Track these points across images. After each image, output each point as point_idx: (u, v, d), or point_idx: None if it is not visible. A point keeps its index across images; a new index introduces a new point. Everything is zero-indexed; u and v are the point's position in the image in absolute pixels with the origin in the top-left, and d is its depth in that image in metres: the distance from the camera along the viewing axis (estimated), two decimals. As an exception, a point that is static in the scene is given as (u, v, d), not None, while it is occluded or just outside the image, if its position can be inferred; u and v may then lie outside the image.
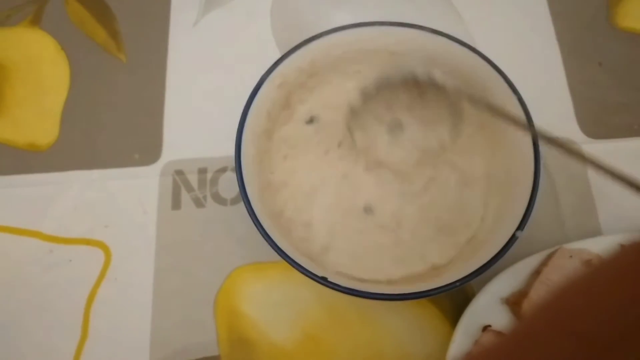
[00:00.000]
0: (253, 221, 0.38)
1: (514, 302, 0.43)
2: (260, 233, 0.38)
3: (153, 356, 0.44)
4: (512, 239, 0.37)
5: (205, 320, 0.45)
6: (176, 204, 0.49)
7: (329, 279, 0.36)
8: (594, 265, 0.24)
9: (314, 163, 0.45)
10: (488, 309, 0.43)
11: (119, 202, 0.49)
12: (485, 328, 0.42)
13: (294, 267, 0.37)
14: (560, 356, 0.22)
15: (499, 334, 0.42)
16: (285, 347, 0.45)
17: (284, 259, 0.37)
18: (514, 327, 0.25)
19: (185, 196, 0.49)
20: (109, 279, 0.47)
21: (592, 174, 0.49)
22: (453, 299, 0.45)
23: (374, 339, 0.45)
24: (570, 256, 0.43)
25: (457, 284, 0.36)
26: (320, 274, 0.37)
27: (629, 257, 0.23)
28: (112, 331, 0.46)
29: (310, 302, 0.46)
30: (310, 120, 0.46)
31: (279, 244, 0.37)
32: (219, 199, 0.49)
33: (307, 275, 0.37)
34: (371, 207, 0.44)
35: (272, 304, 0.46)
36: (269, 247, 0.43)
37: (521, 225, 0.37)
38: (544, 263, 0.43)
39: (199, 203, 0.49)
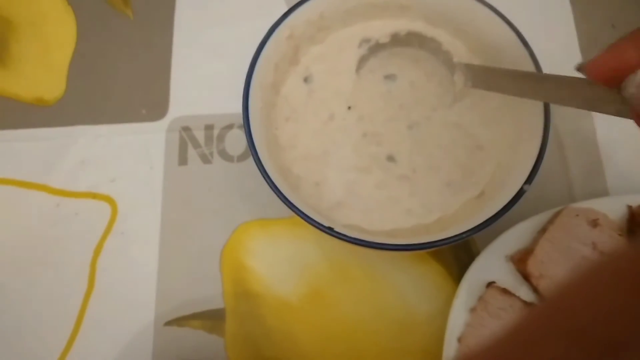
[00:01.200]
0: (261, 173, 0.38)
1: (518, 260, 0.43)
2: (268, 184, 0.38)
3: (159, 308, 0.45)
4: (520, 192, 0.37)
5: (211, 274, 0.46)
6: (183, 159, 0.49)
7: (336, 229, 0.36)
8: (593, 264, 0.23)
9: (319, 130, 0.45)
10: (493, 266, 0.43)
11: (126, 157, 0.49)
12: (490, 284, 0.42)
13: (301, 217, 0.37)
14: (557, 356, 0.21)
15: (503, 292, 0.42)
16: (290, 300, 0.45)
17: (291, 209, 0.37)
18: (511, 327, 0.24)
19: (192, 152, 0.49)
20: (115, 232, 0.47)
21: (601, 137, 0.49)
22: (458, 256, 0.45)
23: (378, 294, 0.45)
24: (577, 215, 0.43)
25: (463, 235, 0.36)
26: (327, 224, 0.37)
27: (629, 256, 0.22)
28: (119, 284, 0.46)
29: (316, 257, 0.46)
30: (307, 80, 0.45)
31: (287, 196, 0.37)
32: (225, 156, 0.49)
33: (313, 225, 0.37)
34: (393, 156, 0.44)
35: (277, 259, 0.46)
36: (275, 203, 0.43)
37: (529, 179, 0.37)
38: (551, 221, 0.43)
39: (205, 159, 0.49)
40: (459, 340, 0.41)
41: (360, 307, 0.45)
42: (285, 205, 0.38)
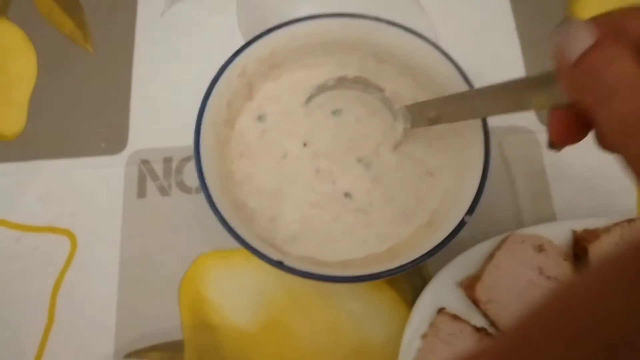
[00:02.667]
0: (210, 207, 0.39)
1: (467, 285, 0.44)
2: (217, 217, 0.39)
3: (118, 341, 0.45)
4: (461, 223, 0.38)
5: (170, 306, 0.46)
6: (142, 192, 0.50)
7: (285, 263, 0.37)
8: (591, 267, 0.23)
9: (273, 167, 0.46)
10: (443, 292, 0.44)
11: (85, 191, 0.50)
12: (440, 310, 0.43)
13: (250, 251, 0.38)
14: (556, 357, 0.21)
15: (453, 317, 0.43)
16: (248, 330, 0.46)
17: (239, 242, 0.38)
18: (508, 329, 0.24)
19: (150, 185, 0.50)
20: (75, 266, 0.48)
21: (548, 162, 0.51)
22: (411, 282, 0.47)
23: (335, 322, 0.46)
24: (523, 241, 0.45)
25: (408, 266, 0.37)
26: (277, 258, 0.38)
27: (626, 259, 0.22)
28: (78, 317, 0.46)
29: (273, 287, 0.47)
30: (260, 118, 0.47)
31: (236, 230, 0.38)
32: (183, 188, 0.50)
33: (262, 259, 0.38)
34: (350, 193, 0.45)
35: (235, 289, 0.47)
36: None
37: (470, 210, 0.38)
38: (498, 247, 0.45)
39: (164, 191, 0.50)
40: (411, 366, 0.42)
41: (317, 335, 0.46)
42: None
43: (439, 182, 0.46)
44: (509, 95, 0.34)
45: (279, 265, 0.38)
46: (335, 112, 0.47)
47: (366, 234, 0.44)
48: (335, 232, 0.44)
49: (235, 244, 0.47)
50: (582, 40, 0.26)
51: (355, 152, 0.46)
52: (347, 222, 0.44)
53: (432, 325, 0.43)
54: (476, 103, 0.38)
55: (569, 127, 0.30)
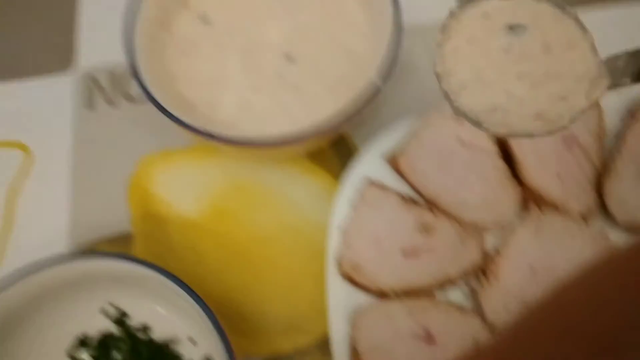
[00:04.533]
0: (147, 97, 0.42)
1: (392, 158, 0.47)
2: (152, 103, 0.42)
3: (73, 237, 0.48)
4: (373, 87, 0.41)
5: (120, 204, 0.49)
6: (90, 104, 0.53)
7: (211, 131, 0.40)
8: (594, 264, 0.24)
9: (213, 58, 0.49)
10: (371, 165, 0.47)
11: (37, 106, 0.53)
12: (368, 181, 0.46)
13: (179, 124, 0.41)
14: (558, 356, 0.21)
15: (379, 187, 0.46)
16: (193, 220, 0.49)
17: (172, 120, 0.41)
18: (511, 326, 0.24)
19: (98, 97, 0.53)
20: (31, 175, 0.51)
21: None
22: (342, 161, 0.49)
23: (275, 206, 0.49)
24: (444, 114, 0.47)
25: (323, 129, 0.40)
26: (205, 129, 0.41)
27: (629, 256, 0.23)
28: (35, 221, 0.49)
29: (217, 178, 0.50)
30: (201, 18, 0.49)
31: (169, 110, 0.41)
32: (129, 98, 0.53)
33: (190, 130, 0.41)
34: (283, 75, 0.48)
35: (180, 183, 0.50)
36: (176, 135, 0.47)
37: (381, 75, 0.41)
38: (421, 121, 0.47)
39: (111, 102, 0.53)
40: (341, 230, 0.45)
41: (259, 220, 0.49)
42: (182, 132, 0.41)
43: (362, 58, 0.48)
44: None
45: (207, 135, 0.40)
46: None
47: (298, 111, 0.46)
48: (269, 112, 0.46)
49: (180, 143, 0.50)
50: None
51: (284, 47, 0.49)
52: (282, 101, 0.47)
53: (360, 194, 0.46)
54: None
55: None
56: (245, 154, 0.47)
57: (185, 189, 0.50)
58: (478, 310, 0.44)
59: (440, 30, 0.37)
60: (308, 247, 0.47)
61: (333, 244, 0.45)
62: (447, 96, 0.36)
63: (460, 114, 0.36)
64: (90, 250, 0.47)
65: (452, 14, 0.37)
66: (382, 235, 0.45)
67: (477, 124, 0.36)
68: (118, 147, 0.51)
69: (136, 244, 0.48)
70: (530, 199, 0.46)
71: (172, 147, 0.51)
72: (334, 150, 0.50)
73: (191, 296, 0.38)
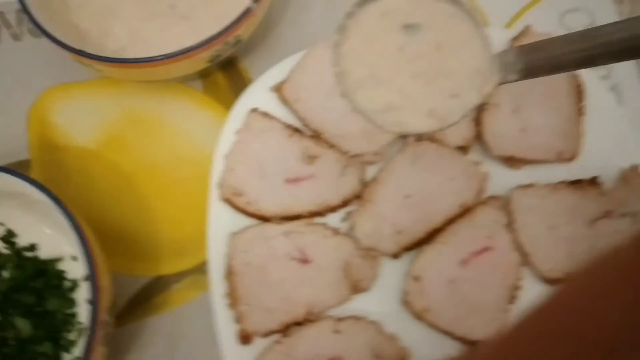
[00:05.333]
0: (36, 26, 0.43)
1: (278, 88, 0.48)
2: (44, 34, 0.43)
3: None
4: (246, 8, 0.43)
5: (19, 133, 0.51)
6: (-4, 39, 0.54)
7: (89, 52, 0.42)
8: (594, 266, 0.24)
9: None
10: (259, 96, 0.48)
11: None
12: (253, 110, 0.48)
13: (66, 49, 0.43)
14: (560, 356, 0.21)
15: (264, 115, 0.47)
16: (89, 148, 0.50)
17: (62, 47, 0.43)
18: (514, 327, 0.24)
19: (5, 32, 0.54)
20: None
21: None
22: (237, 95, 0.50)
23: (170, 137, 0.51)
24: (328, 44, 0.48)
25: (194, 47, 0.42)
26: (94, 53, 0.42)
27: (629, 257, 0.22)
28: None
29: (112, 108, 0.51)
30: None
31: (59, 38, 0.43)
32: (34, 33, 0.54)
33: (73, 52, 0.42)
34: (174, 4, 0.49)
35: (78, 114, 0.51)
36: (76, 69, 0.48)
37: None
38: (308, 52, 0.49)
39: (17, 37, 0.54)
40: (225, 157, 0.47)
41: (151, 148, 0.50)
42: (80, 65, 0.44)
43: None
44: None
45: (81, 52, 0.42)
46: None
47: (188, 36, 0.47)
48: (161, 39, 0.48)
49: (80, 77, 0.51)
50: None
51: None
52: (173, 29, 0.48)
53: (245, 122, 0.47)
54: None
55: None
56: (133, 76, 0.48)
57: (83, 119, 0.51)
58: (352, 233, 0.46)
59: (337, 30, 0.37)
60: (197, 176, 0.49)
61: (217, 170, 0.46)
62: (344, 95, 0.37)
63: (357, 111, 0.37)
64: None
65: (349, 14, 0.37)
66: (265, 163, 0.47)
67: (372, 121, 0.37)
68: (21, 79, 0.52)
69: (33, 171, 0.50)
70: (410, 130, 0.48)
71: (72, 80, 0.52)
72: (229, 83, 0.52)
73: (60, 210, 0.39)
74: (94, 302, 0.37)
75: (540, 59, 0.35)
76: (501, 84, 0.36)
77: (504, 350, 0.24)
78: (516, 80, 0.36)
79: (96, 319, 0.36)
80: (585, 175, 0.47)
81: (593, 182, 0.46)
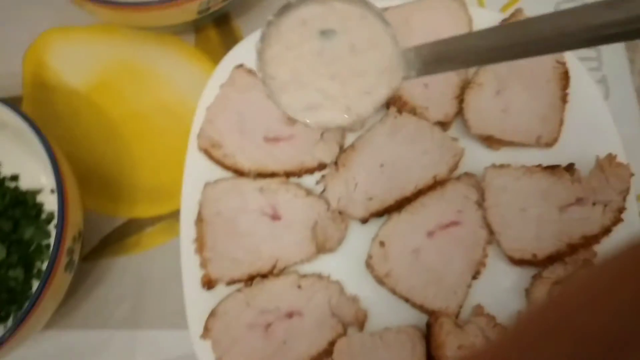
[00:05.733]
0: None
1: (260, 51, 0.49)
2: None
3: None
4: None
5: (15, 70, 0.52)
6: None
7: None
8: (594, 267, 0.25)
9: None
10: (247, 54, 0.49)
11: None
12: (239, 66, 0.49)
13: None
14: (557, 356, 0.21)
15: (249, 72, 0.48)
16: (81, 91, 0.52)
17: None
18: (514, 327, 0.25)
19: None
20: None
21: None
22: (227, 50, 0.51)
23: (156, 87, 0.52)
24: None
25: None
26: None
27: (629, 258, 0.22)
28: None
29: (107, 54, 0.53)
30: None
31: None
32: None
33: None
34: None
35: (73, 57, 0.53)
36: (74, 13, 0.49)
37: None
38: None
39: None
40: (207, 108, 0.48)
41: (138, 96, 0.51)
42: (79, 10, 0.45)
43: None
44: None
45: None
46: None
47: None
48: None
49: (78, 21, 0.53)
50: None
51: None
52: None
53: (230, 77, 0.48)
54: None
55: None
56: (125, 20, 0.49)
57: (77, 62, 0.52)
58: (324, 195, 0.47)
59: (260, 39, 0.40)
60: (179, 128, 0.50)
61: (197, 120, 0.48)
62: (270, 97, 0.40)
63: (282, 110, 0.40)
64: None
65: (270, 23, 0.40)
66: (245, 119, 0.48)
67: (296, 119, 0.40)
68: (20, 20, 0.54)
69: (24, 107, 0.51)
70: (393, 103, 0.49)
71: (71, 23, 0.54)
72: (221, 40, 0.53)
73: (39, 139, 0.40)
74: (60, 224, 0.38)
75: (434, 58, 0.38)
76: (404, 79, 0.39)
77: (506, 351, 0.24)
78: (416, 77, 0.39)
79: (60, 240, 0.37)
80: (561, 162, 0.47)
81: (569, 168, 0.47)
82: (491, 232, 0.46)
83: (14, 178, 0.47)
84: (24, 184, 0.47)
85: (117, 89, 0.51)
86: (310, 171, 0.48)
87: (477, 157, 0.48)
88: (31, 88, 0.52)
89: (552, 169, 0.47)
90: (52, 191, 0.47)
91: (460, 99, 0.49)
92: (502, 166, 0.47)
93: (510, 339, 0.25)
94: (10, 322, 0.44)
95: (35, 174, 0.47)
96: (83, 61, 0.52)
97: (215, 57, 0.52)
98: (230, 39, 0.52)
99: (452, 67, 0.40)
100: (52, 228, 0.46)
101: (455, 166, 0.47)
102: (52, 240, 0.46)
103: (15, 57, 0.52)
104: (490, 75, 0.49)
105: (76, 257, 0.41)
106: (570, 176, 0.46)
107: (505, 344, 0.25)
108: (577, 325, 0.22)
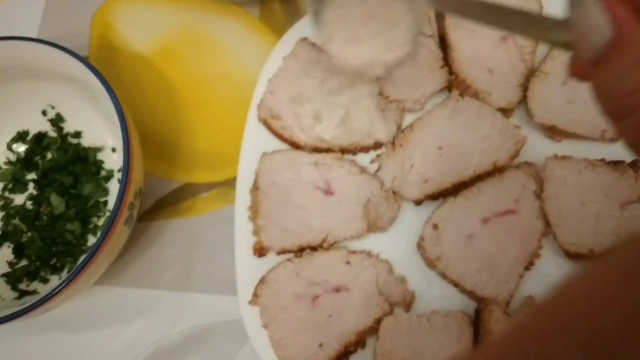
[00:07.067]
0: None
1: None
2: None
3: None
4: None
5: (83, 31, 0.54)
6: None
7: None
8: (594, 266, 0.24)
9: None
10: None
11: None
12: (303, 39, 0.49)
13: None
14: (557, 355, 0.21)
15: (312, 46, 0.48)
16: (143, 54, 0.53)
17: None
18: (514, 327, 0.24)
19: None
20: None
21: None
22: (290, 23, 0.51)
23: (219, 57, 0.52)
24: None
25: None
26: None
27: (629, 258, 0.22)
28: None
29: (173, 21, 0.53)
30: None
31: None
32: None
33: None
34: None
35: (139, 21, 0.54)
36: None
37: None
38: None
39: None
40: (269, 80, 0.48)
41: (201, 64, 0.52)
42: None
43: None
44: (531, 23, 0.34)
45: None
46: None
47: None
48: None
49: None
50: (600, 34, 0.25)
51: None
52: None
53: (293, 50, 0.48)
54: (501, 16, 0.35)
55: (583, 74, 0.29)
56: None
57: (143, 27, 0.53)
58: (378, 174, 0.46)
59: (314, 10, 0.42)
60: (238, 97, 0.50)
61: (259, 91, 0.48)
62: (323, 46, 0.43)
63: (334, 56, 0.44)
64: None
65: None
66: (305, 92, 0.48)
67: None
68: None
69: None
70: (455, 86, 0.48)
71: (140, -10, 0.54)
72: (285, 13, 0.53)
73: (110, 95, 0.41)
74: (124, 178, 0.38)
75: None
76: None
77: (503, 351, 0.24)
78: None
79: (123, 193, 0.38)
80: (624, 159, 0.46)
81: (633, 164, 0.45)
82: (547, 224, 0.45)
83: (77, 135, 0.48)
84: (86, 141, 0.48)
85: (180, 56, 0.52)
86: (366, 149, 0.48)
87: (538, 148, 0.47)
88: (97, 49, 0.53)
89: (615, 164, 0.45)
90: (114, 150, 0.47)
91: (525, 87, 0.48)
92: (564, 157, 0.46)
93: (510, 339, 0.24)
94: (64, 273, 0.45)
95: (97, 132, 0.48)
96: (148, 26, 0.53)
97: (278, 31, 0.52)
98: (294, 14, 0.52)
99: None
100: (110, 185, 0.47)
101: (516, 153, 0.46)
102: (109, 198, 0.47)
103: (84, 18, 0.54)
104: (558, 64, 0.48)
105: (135, 214, 0.42)
106: (634, 173, 0.45)
107: (505, 344, 0.24)
108: (577, 324, 0.21)
